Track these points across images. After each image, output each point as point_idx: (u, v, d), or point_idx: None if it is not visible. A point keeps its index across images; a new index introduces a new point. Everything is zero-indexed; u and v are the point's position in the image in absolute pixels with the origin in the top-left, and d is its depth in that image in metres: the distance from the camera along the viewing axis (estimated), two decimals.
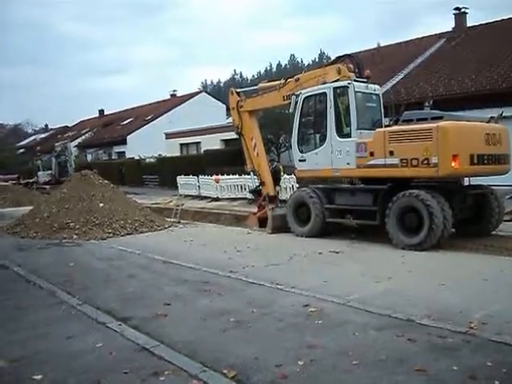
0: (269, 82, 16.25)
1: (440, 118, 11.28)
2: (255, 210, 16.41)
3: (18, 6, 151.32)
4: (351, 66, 13.50)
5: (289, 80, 14.43)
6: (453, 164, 10.73)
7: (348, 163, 12.49)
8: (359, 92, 12.73)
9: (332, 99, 12.89)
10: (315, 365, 4.89)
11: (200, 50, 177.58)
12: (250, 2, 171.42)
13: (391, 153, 11.52)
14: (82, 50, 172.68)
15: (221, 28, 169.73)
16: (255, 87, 16.72)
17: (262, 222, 15.36)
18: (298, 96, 13.64)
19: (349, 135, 12.64)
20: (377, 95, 13.40)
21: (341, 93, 12.88)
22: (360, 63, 13.76)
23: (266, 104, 15.65)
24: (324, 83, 13.16)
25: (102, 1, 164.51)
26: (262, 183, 15.85)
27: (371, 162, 11.96)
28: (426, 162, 10.91)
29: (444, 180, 11.72)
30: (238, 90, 16.53)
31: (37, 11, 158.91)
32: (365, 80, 13.14)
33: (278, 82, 15.02)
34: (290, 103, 13.92)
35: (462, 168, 10.92)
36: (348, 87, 12.59)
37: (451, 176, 11.45)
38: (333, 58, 14.97)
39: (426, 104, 12.88)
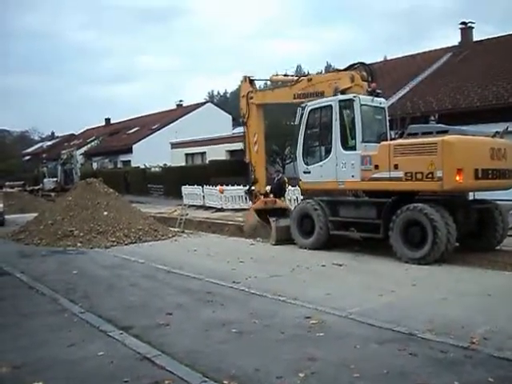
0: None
1: (445, 132, 11.29)
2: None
3: (27, 14, 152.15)
4: (365, 74, 13.55)
5: (301, 78, 14.53)
6: (457, 178, 10.73)
7: (353, 176, 12.50)
8: (365, 105, 12.78)
9: (337, 112, 12.93)
10: (316, 377, 4.88)
11: (207, 60, 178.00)
12: (259, 12, 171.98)
13: (396, 166, 11.53)
14: (90, 58, 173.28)
15: (228, 38, 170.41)
16: (267, 79, 16.80)
17: (260, 213, 15.55)
18: (303, 108, 13.76)
19: (354, 148, 12.66)
20: (382, 108, 13.46)
21: (346, 106, 12.92)
22: (374, 72, 13.81)
23: (276, 99, 15.76)
24: (336, 89, 13.17)
25: (110, 9, 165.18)
26: (255, 180, 16.07)
27: (376, 175, 11.97)
28: (430, 175, 10.91)
29: (449, 194, 11.70)
30: (253, 79, 16.51)
31: (45, 19, 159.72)
32: (378, 92, 13.24)
33: (290, 78, 15.16)
34: (299, 102, 14.09)
35: (467, 182, 10.91)
36: (354, 100, 12.64)
37: (456, 190, 11.44)
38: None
39: (432, 118, 12.92)
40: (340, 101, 12.96)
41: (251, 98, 15.98)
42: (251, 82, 16.34)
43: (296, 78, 14.85)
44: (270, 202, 16.14)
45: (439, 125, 12.06)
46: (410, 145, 11.45)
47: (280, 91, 15.30)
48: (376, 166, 11.97)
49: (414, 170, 11.21)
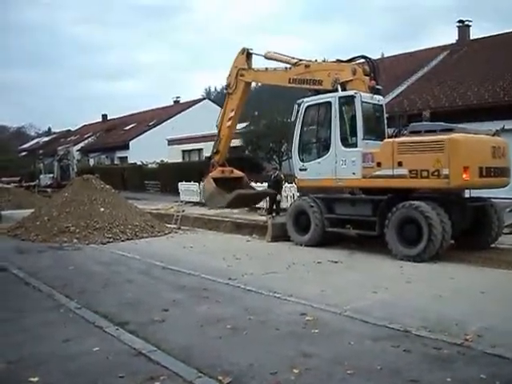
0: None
1: (449, 130, 11.32)
2: (250, 217, 16.61)
3: (22, 8, 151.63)
4: (367, 68, 13.35)
5: (299, 63, 14.21)
6: (464, 176, 10.77)
7: (353, 173, 12.41)
8: (365, 102, 12.66)
9: (337, 108, 12.79)
10: (310, 373, 4.91)
11: (205, 56, 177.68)
12: (257, 9, 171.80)
13: (400, 163, 11.48)
14: (88, 54, 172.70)
15: (227, 33, 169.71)
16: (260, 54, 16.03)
17: (218, 182, 15.80)
18: (299, 104, 13.65)
19: (354, 145, 12.58)
20: (380, 106, 13.40)
21: (346, 102, 12.80)
22: (376, 67, 13.56)
23: (268, 80, 15.63)
24: (336, 80, 12.97)
25: (109, 4, 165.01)
26: (217, 151, 16.37)
27: (378, 173, 11.92)
28: (436, 173, 10.89)
29: (447, 192, 11.70)
30: (251, 52, 15.89)
31: (42, 13, 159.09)
32: (379, 89, 13.18)
33: (285, 58, 14.84)
34: (294, 87, 14.01)
35: (472, 180, 10.96)
36: (355, 97, 12.50)
37: (462, 188, 11.51)
38: None
39: (424, 114, 12.87)
40: (340, 97, 12.81)
41: (242, 75, 15.66)
42: (248, 55, 15.83)
43: (294, 60, 14.41)
44: (227, 171, 16.58)
45: (440, 123, 12.02)
46: (416, 142, 11.39)
47: (274, 73, 14.96)
48: (378, 164, 11.91)
49: (419, 167, 11.17)
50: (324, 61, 14.22)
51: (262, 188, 19.14)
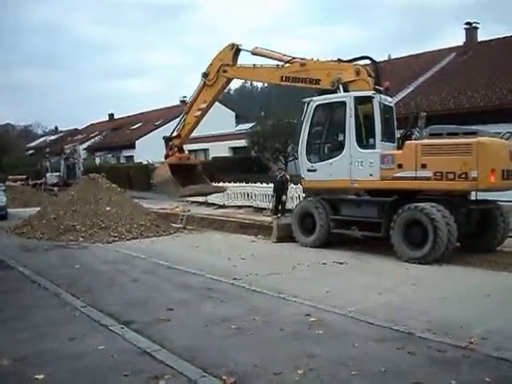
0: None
1: (472, 133, 11.33)
2: (256, 217, 16.68)
3: (32, 8, 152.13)
4: (369, 69, 13.14)
5: (293, 61, 13.83)
6: (491, 178, 10.82)
7: (371, 174, 12.24)
8: (381, 103, 12.51)
9: (352, 108, 12.51)
10: (314, 374, 4.92)
11: (212, 56, 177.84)
12: (264, 10, 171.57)
13: (424, 166, 11.41)
14: (96, 54, 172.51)
15: (235, 34, 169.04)
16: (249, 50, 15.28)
17: (173, 168, 15.77)
18: (308, 104, 13.39)
19: (372, 146, 12.43)
20: (391, 107, 13.33)
21: (362, 102, 12.62)
22: (380, 69, 13.37)
23: (255, 77, 15.55)
24: (338, 80, 12.77)
25: (119, 5, 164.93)
26: (178, 135, 16.39)
27: (399, 174, 11.77)
28: (463, 175, 10.86)
29: (461, 194, 11.71)
30: (241, 48, 15.20)
31: (51, 13, 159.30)
32: (386, 90, 13.06)
33: (276, 55, 14.42)
34: (286, 85, 13.80)
35: (497, 182, 11.01)
36: (373, 97, 12.34)
37: (489, 190, 11.50)
38: None
39: (422, 115, 12.74)
40: (356, 97, 12.55)
41: (225, 71, 15.12)
42: (236, 52, 15.20)
43: (287, 58, 14.01)
44: (184, 158, 16.83)
45: (456, 126, 12.00)
46: (441, 145, 11.36)
47: (264, 70, 14.46)
48: (399, 165, 11.79)
49: (444, 169, 11.11)
50: (318, 60, 13.88)
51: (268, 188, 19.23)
